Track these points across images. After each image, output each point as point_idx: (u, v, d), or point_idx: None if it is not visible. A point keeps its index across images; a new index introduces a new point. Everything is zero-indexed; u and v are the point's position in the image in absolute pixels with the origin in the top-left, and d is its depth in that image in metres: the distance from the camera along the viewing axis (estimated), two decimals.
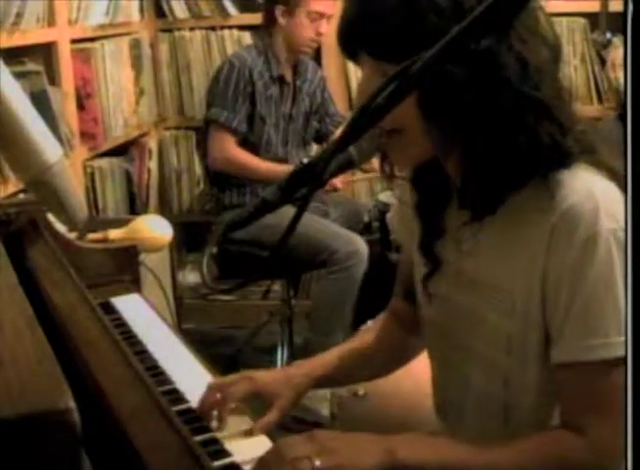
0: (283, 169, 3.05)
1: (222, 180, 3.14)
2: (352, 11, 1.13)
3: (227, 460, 1.13)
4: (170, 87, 3.82)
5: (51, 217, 1.70)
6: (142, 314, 1.67)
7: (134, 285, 1.81)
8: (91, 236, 2.02)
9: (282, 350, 3.22)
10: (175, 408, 1.24)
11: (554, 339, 1.08)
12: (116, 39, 3.32)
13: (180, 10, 3.71)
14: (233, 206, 3.12)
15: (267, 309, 3.53)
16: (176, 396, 1.30)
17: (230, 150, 3.07)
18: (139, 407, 1.14)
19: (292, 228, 0.91)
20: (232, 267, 2.92)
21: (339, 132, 1.13)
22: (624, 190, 1.06)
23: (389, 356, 1.43)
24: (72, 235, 1.84)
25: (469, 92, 1.03)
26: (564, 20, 3.31)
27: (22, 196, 2.23)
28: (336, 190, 3.12)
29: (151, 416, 1.13)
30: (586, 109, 3.30)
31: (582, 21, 3.35)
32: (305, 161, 1.12)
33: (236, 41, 3.68)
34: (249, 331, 3.57)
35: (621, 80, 3.11)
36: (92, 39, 3.11)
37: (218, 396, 1.24)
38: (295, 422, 2.80)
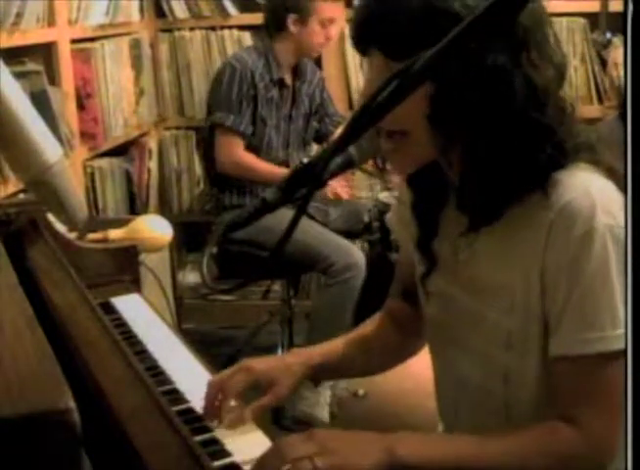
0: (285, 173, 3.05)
1: (222, 181, 3.14)
2: (369, 7, 1.13)
3: (227, 460, 1.13)
4: (170, 87, 3.82)
5: (51, 217, 1.70)
6: (142, 314, 1.67)
7: (134, 285, 1.80)
8: (91, 236, 2.02)
9: (282, 350, 3.22)
10: (175, 408, 1.24)
11: (552, 332, 1.09)
12: (116, 39, 3.32)
13: (180, 10, 3.72)
14: (233, 206, 3.12)
15: (267, 309, 3.54)
16: (176, 396, 1.30)
17: (238, 154, 3.08)
18: (139, 407, 1.14)
19: (292, 229, 0.91)
20: (232, 267, 2.92)
21: (339, 132, 1.13)
22: (623, 188, 1.08)
23: (384, 354, 1.43)
24: (72, 235, 1.84)
25: (478, 108, 1.05)
26: (564, 20, 3.31)
27: (22, 196, 2.23)
28: (339, 199, 3.14)
29: (151, 416, 1.12)
30: (586, 109, 3.30)
31: (582, 21, 3.35)
32: (305, 161, 1.12)
33: (236, 41, 3.68)
34: (249, 331, 3.57)
35: (622, 80, 3.11)
36: (92, 39, 3.12)
37: (219, 390, 1.24)
38: (294, 423, 2.81)
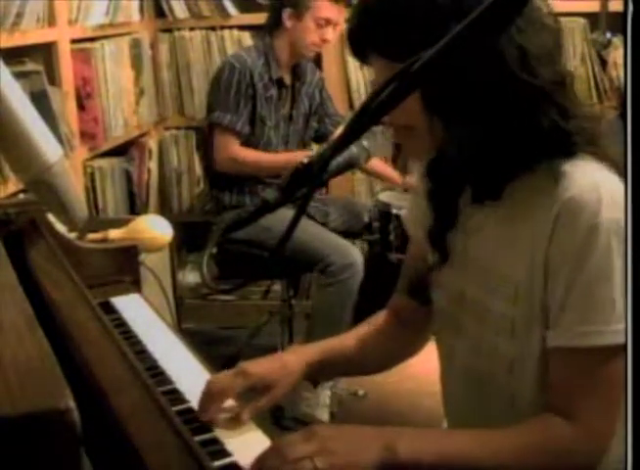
0: (286, 157, 3.06)
1: (222, 181, 3.14)
2: (363, 13, 1.13)
3: (227, 460, 1.13)
4: (170, 87, 3.82)
5: (51, 217, 1.70)
6: (142, 314, 1.67)
7: (134, 285, 1.80)
8: (91, 236, 2.02)
9: (282, 350, 3.22)
10: (175, 408, 1.24)
11: (552, 323, 1.10)
12: (116, 39, 3.32)
13: (180, 10, 3.72)
14: (233, 206, 3.13)
15: (267, 309, 3.54)
16: (176, 396, 1.30)
17: (234, 151, 3.08)
18: (139, 407, 1.14)
19: (292, 228, 0.91)
20: (232, 267, 2.92)
21: (338, 132, 1.13)
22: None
23: (385, 352, 1.43)
24: (72, 235, 1.84)
25: (470, 83, 1.05)
26: (564, 20, 3.29)
27: (22, 196, 2.23)
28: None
29: (151, 416, 1.12)
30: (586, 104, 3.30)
31: (582, 21, 3.35)
32: (305, 161, 1.12)
33: (236, 41, 3.68)
34: (249, 331, 3.57)
35: (622, 80, 3.11)
36: (92, 39, 3.11)
37: (216, 393, 1.24)
38: (294, 423, 2.81)
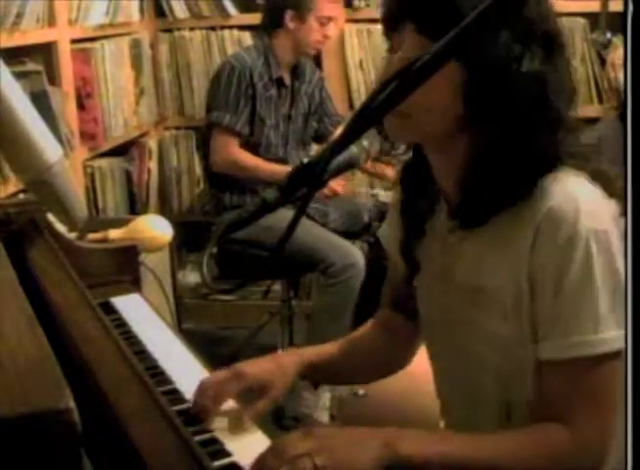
0: (285, 171, 3.04)
1: (222, 181, 3.14)
2: None
3: (227, 460, 1.13)
4: (170, 87, 3.82)
5: (51, 217, 1.70)
6: (142, 314, 1.67)
7: (134, 285, 1.80)
8: (91, 236, 2.03)
9: (282, 350, 3.21)
10: (175, 408, 1.24)
11: (540, 336, 1.10)
12: (116, 39, 3.32)
13: (180, 10, 3.72)
14: (233, 206, 3.12)
15: (267, 309, 3.53)
16: (176, 396, 1.30)
17: (234, 153, 3.08)
18: (139, 407, 1.14)
19: (292, 228, 0.91)
20: (232, 267, 2.92)
21: (338, 132, 1.13)
22: (609, 192, 1.09)
23: (376, 361, 1.43)
24: (72, 235, 1.84)
25: (513, 105, 1.07)
26: (564, 20, 3.29)
27: (22, 196, 2.23)
28: (336, 195, 3.12)
29: (151, 416, 1.12)
30: (586, 109, 3.30)
31: (582, 21, 3.35)
32: (305, 161, 1.12)
33: (236, 41, 3.68)
34: (249, 331, 3.56)
35: (621, 80, 3.11)
36: (92, 39, 3.12)
37: (211, 396, 1.24)
38: (295, 423, 2.81)
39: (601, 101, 3.41)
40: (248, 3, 3.68)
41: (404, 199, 1.28)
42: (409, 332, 1.37)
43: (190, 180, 3.86)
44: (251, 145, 3.12)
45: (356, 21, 3.59)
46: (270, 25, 3.15)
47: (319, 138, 3.39)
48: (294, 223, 0.91)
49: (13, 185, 2.38)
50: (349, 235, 3.16)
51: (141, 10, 3.60)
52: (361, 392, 1.61)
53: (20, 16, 2.48)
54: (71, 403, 0.75)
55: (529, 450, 1.08)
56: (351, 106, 3.64)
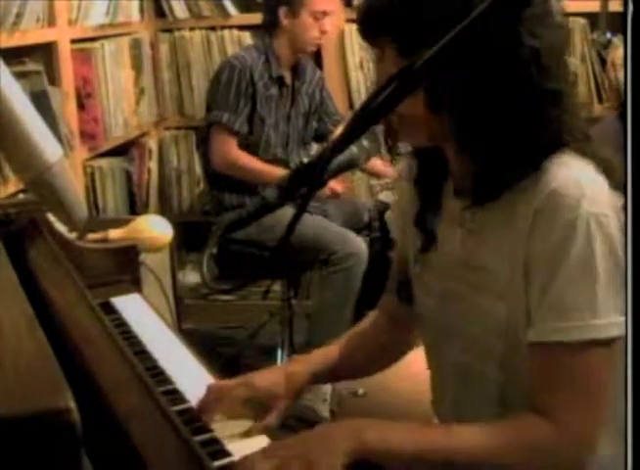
0: (279, 173, 3.05)
1: (221, 181, 3.14)
2: None
3: (227, 460, 1.13)
4: (170, 87, 3.82)
5: (51, 217, 1.70)
6: (142, 314, 1.67)
7: (134, 285, 1.80)
8: (91, 236, 2.02)
9: (282, 350, 3.22)
10: (175, 408, 1.24)
11: (531, 318, 1.09)
12: (116, 39, 3.32)
13: (180, 10, 3.72)
14: (233, 206, 3.12)
15: (267, 309, 3.53)
16: (176, 396, 1.30)
17: (233, 153, 3.08)
18: (139, 407, 1.14)
19: (292, 228, 0.91)
20: (232, 267, 2.92)
21: (339, 131, 1.13)
22: (616, 183, 1.08)
23: (380, 353, 1.43)
24: (72, 235, 1.84)
25: (483, 82, 1.06)
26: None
27: (22, 196, 2.23)
28: (337, 196, 3.12)
29: (151, 416, 1.12)
30: (586, 109, 3.30)
31: (582, 21, 3.35)
32: (306, 160, 1.12)
33: (236, 41, 3.68)
34: (249, 331, 3.56)
35: (621, 80, 3.11)
36: (92, 39, 3.12)
37: (216, 399, 1.24)
38: (295, 421, 2.80)
39: (601, 101, 3.41)
40: (248, 3, 3.68)
41: (419, 173, 1.27)
42: (412, 317, 1.37)
43: (190, 180, 3.86)
44: (251, 144, 3.12)
45: (356, 20, 3.59)
46: (268, 25, 3.15)
47: (319, 137, 3.39)
48: (294, 223, 0.91)
49: (13, 185, 2.38)
50: None
51: (141, 10, 3.61)
52: (361, 391, 1.61)
53: (20, 16, 2.48)
54: (71, 403, 0.75)
55: (507, 443, 1.06)
56: (351, 106, 3.64)
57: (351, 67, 3.64)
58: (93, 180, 3.23)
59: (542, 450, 1.06)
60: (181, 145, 3.84)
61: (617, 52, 3.29)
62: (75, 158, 2.94)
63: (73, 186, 1.61)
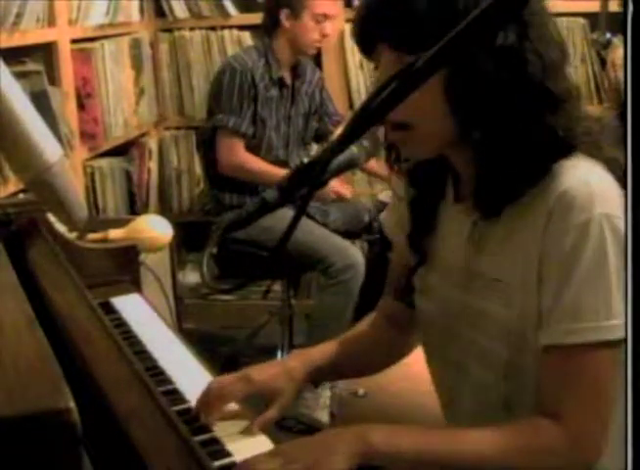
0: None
1: (222, 181, 3.14)
2: (373, 1, 1.12)
3: (227, 460, 1.13)
4: (170, 87, 3.82)
5: (51, 217, 1.70)
6: (142, 314, 1.67)
7: (134, 285, 1.80)
8: (91, 236, 2.02)
9: (282, 350, 3.22)
10: (175, 408, 1.24)
11: (544, 321, 1.09)
12: (116, 39, 3.32)
13: (180, 10, 3.71)
14: (233, 206, 3.12)
15: (267, 309, 3.53)
16: (176, 396, 1.30)
17: (240, 156, 3.08)
18: (139, 407, 1.14)
19: (292, 228, 0.91)
20: (232, 267, 2.92)
21: (339, 131, 1.13)
22: (623, 180, 1.08)
23: (379, 353, 1.43)
24: (72, 235, 1.84)
25: (496, 86, 1.06)
26: (564, 20, 3.30)
27: (22, 196, 2.23)
28: (342, 199, 3.12)
29: (151, 416, 1.12)
30: (588, 109, 3.30)
31: (582, 21, 3.35)
32: (306, 160, 1.12)
33: (236, 41, 3.68)
34: (249, 331, 3.56)
35: (621, 80, 3.11)
36: (92, 39, 3.11)
37: (216, 395, 1.24)
38: (296, 422, 2.81)
39: (601, 101, 3.41)
40: (248, 3, 3.68)
41: (416, 194, 1.27)
42: (412, 319, 1.37)
43: (190, 180, 3.86)
44: (254, 146, 3.12)
45: (353, 30, 3.58)
46: (269, 26, 3.15)
47: (320, 138, 3.39)
48: (294, 223, 0.91)
49: (13, 185, 2.38)
50: (350, 235, 3.16)
51: (141, 10, 3.60)
52: (361, 392, 1.61)
53: (20, 16, 2.48)
54: (71, 403, 0.75)
55: (515, 447, 1.06)
56: (351, 106, 3.64)
57: (351, 67, 3.64)
58: (93, 180, 3.23)
59: (551, 453, 1.06)
60: (181, 145, 3.84)
61: (617, 52, 3.29)
62: (75, 158, 2.94)
63: (73, 186, 1.61)
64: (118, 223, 2.16)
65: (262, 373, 1.29)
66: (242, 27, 3.68)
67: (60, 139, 2.57)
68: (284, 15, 3.06)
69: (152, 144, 3.72)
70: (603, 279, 1.05)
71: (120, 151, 3.45)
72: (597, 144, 1.13)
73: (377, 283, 1.51)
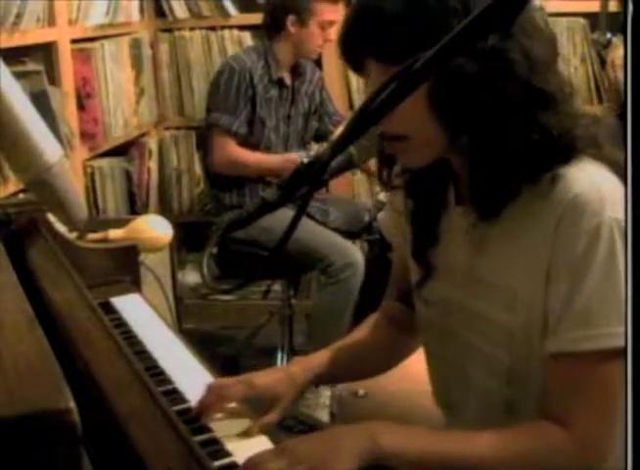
0: (286, 158, 3.04)
1: (222, 181, 3.14)
2: (357, 17, 1.12)
3: (227, 460, 1.13)
4: (170, 87, 3.82)
5: (51, 217, 1.70)
6: (142, 314, 1.67)
7: (134, 285, 1.81)
8: (91, 236, 2.02)
9: (282, 350, 3.22)
10: (175, 408, 1.24)
11: (552, 328, 1.08)
12: (116, 39, 3.32)
13: (180, 10, 3.71)
14: (233, 206, 3.12)
15: (267, 309, 3.53)
16: (176, 396, 1.30)
17: (232, 153, 3.08)
18: (139, 407, 1.14)
19: (292, 228, 0.91)
20: (232, 267, 2.92)
21: (338, 132, 1.13)
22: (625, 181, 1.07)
23: (382, 354, 1.43)
24: (72, 235, 1.84)
25: (481, 89, 1.04)
26: (564, 20, 3.30)
27: (22, 196, 2.23)
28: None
29: (151, 416, 1.12)
30: (586, 109, 3.30)
31: (582, 21, 3.35)
32: (306, 160, 1.12)
33: (236, 41, 3.68)
34: (249, 331, 3.56)
35: (621, 80, 3.11)
36: (92, 39, 3.11)
37: (216, 395, 1.24)
38: (296, 422, 2.80)
39: (601, 101, 3.41)
40: (248, 3, 3.68)
41: (416, 207, 1.27)
42: (413, 321, 1.37)
43: (190, 180, 3.86)
44: (252, 146, 3.12)
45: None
46: (271, 29, 3.14)
47: (319, 138, 3.39)
48: (294, 223, 0.91)
49: (13, 185, 2.38)
50: (350, 235, 3.16)
51: (141, 10, 3.60)
52: (361, 392, 1.61)
53: (20, 16, 2.48)
54: (71, 403, 0.75)
55: (522, 450, 1.06)
56: (351, 106, 3.64)
57: None
58: (93, 180, 3.23)
59: (557, 458, 1.06)
60: (181, 145, 3.84)
61: (617, 52, 3.29)
62: (75, 158, 2.94)
63: (74, 186, 1.61)
64: (118, 223, 2.16)
65: (264, 378, 1.29)
66: (242, 28, 3.68)
67: (60, 139, 2.57)
68: (290, 21, 3.06)
69: (152, 144, 3.72)
70: (614, 284, 1.03)
71: (120, 151, 3.46)
72: (598, 145, 1.12)
73: (377, 283, 1.51)
